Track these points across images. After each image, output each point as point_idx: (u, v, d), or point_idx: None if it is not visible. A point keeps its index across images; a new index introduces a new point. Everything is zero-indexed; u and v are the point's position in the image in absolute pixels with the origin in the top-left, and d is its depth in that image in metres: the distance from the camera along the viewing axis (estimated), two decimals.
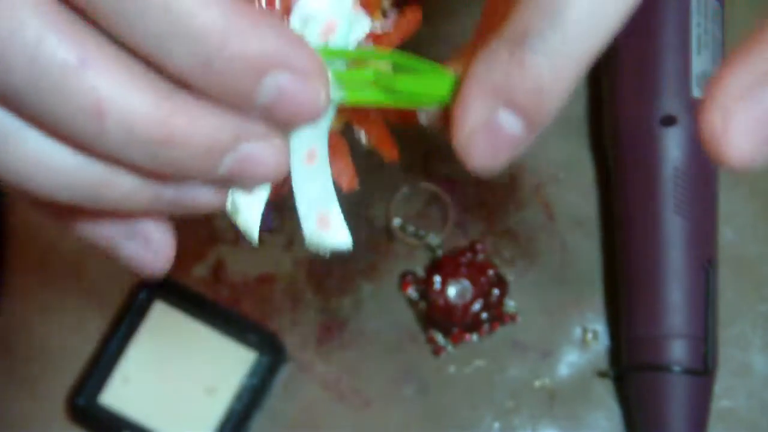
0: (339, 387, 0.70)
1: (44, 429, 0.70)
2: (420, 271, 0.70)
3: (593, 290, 0.70)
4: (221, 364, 0.68)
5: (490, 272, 0.68)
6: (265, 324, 0.70)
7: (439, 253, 0.70)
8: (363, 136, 0.33)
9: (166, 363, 0.69)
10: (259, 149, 0.29)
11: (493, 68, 0.29)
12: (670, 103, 0.66)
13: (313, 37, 0.30)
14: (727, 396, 0.68)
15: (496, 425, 0.69)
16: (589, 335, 0.70)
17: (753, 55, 0.27)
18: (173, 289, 0.69)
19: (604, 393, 0.69)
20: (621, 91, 0.67)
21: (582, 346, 0.69)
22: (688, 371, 0.64)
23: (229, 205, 0.31)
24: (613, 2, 0.28)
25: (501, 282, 0.69)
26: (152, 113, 0.27)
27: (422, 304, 0.69)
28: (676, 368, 0.64)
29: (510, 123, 0.29)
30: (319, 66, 0.28)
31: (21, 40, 0.26)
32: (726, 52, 0.68)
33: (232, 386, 0.68)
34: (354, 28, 0.30)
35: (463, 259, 0.68)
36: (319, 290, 0.71)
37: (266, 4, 0.29)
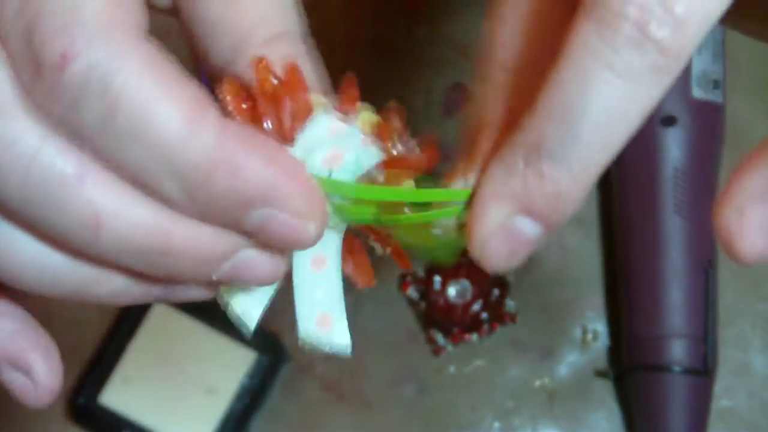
0: (339, 387, 0.70)
1: (44, 429, 0.70)
2: (420, 271, 0.70)
3: (593, 290, 0.70)
4: (221, 364, 0.68)
5: (490, 272, 0.68)
6: (265, 324, 0.69)
7: None
8: (377, 246, 0.32)
9: (166, 363, 0.69)
10: (255, 256, 0.29)
11: (508, 176, 0.28)
12: (670, 103, 0.66)
13: (317, 164, 0.29)
14: (727, 396, 0.68)
15: (496, 425, 0.69)
16: (589, 335, 0.70)
17: None
18: None
19: (604, 393, 0.69)
20: None
21: (582, 346, 0.69)
22: (688, 371, 0.64)
23: (222, 293, 0.31)
24: (637, 100, 0.27)
25: (501, 282, 0.69)
26: (150, 226, 0.27)
27: (422, 304, 0.69)
28: (676, 368, 0.64)
29: (527, 227, 0.29)
30: (311, 201, 0.28)
31: (18, 150, 0.26)
32: (726, 51, 0.68)
33: (232, 386, 0.68)
34: (362, 159, 0.29)
35: (463, 259, 0.68)
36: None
37: (272, 125, 0.29)
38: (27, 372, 0.31)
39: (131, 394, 0.68)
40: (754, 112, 0.71)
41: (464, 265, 0.68)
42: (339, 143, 0.29)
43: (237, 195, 0.27)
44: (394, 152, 0.30)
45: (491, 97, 0.31)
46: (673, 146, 0.65)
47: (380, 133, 0.30)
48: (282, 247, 0.29)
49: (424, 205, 0.30)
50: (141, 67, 0.25)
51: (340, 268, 0.31)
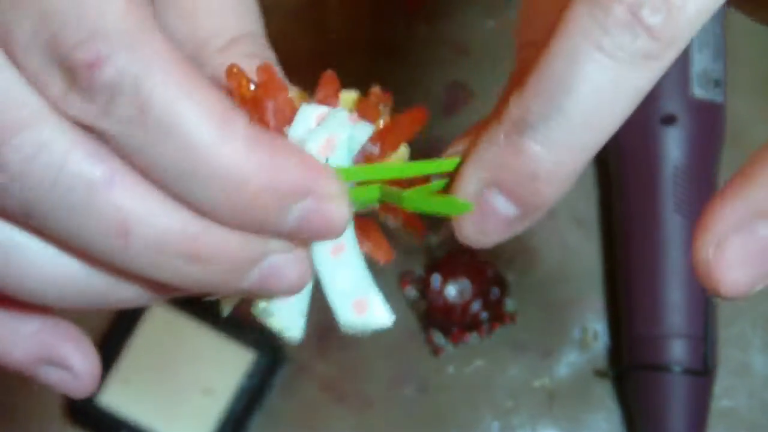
0: (339, 387, 0.70)
1: (44, 429, 0.70)
2: (419, 271, 0.70)
3: (593, 290, 0.70)
4: (220, 364, 0.68)
5: (490, 272, 0.68)
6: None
7: (439, 253, 0.70)
8: (389, 219, 0.33)
9: (165, 363, 0.69)
10: (283, 261, 0.29)
11: (488, 147, 0.28)
12: (670, 103, 0.65)
13: (312, 155, 0.29)
14: (727, 396, 0.68)
15: (496, 425, 0.69)
16: (589, 335, 0.69)
17: (747, 188, 0.27)
18: None
19: (604, 393, 0.69)
20: None
21: (582, 346, 0.69)
22: (688, 371, 0.64)
23: (257, 311, 0.31)
24: (626, 85, 0.26)
25: (501, 281, 0.69)
26: (179, 233, 0.27)
27: (422, 304, 0.69)
28: (676, 368, 0.64)
29: (501, 205, 0.28)
30: (340, 187, 0.28)
31: (47, 157, 0.26)
32: (726, 50, 0.68)
33: (231, 386, 0.68)
34: (354, 136, 0.30)
35: (463, 259, 0.68)
36: (318, 290, 0.71)
37: (258, 123, 0.29)
38: (63, 366, 0.32)
39: (130, 394, 0.68)
40: (754, 111, 0.71)
41: (464, 264, 0.68)
42: (329, 128, 0.29)
43: (277, 193, 0.26)
44: (382, 122, 0.30)
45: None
46: (673, 146, 0.65)
47: (364, 108, 0.30)
48: (319, 238, 0.29)
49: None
50: (169, 69, 0.25)
51: (359, 249, 0.31)
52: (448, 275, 0.68)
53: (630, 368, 0.66)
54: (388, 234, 0.32)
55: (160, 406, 0.68)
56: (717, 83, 0.67)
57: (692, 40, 0.72)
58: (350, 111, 0.30)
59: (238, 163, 0.26)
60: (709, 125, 0.66)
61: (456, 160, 0.30)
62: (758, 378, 0.68)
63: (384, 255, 0.32)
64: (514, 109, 0.27)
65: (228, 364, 0.68)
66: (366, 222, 0.32)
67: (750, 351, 0.69)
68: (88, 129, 0.26)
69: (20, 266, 0.28)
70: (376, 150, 0.30)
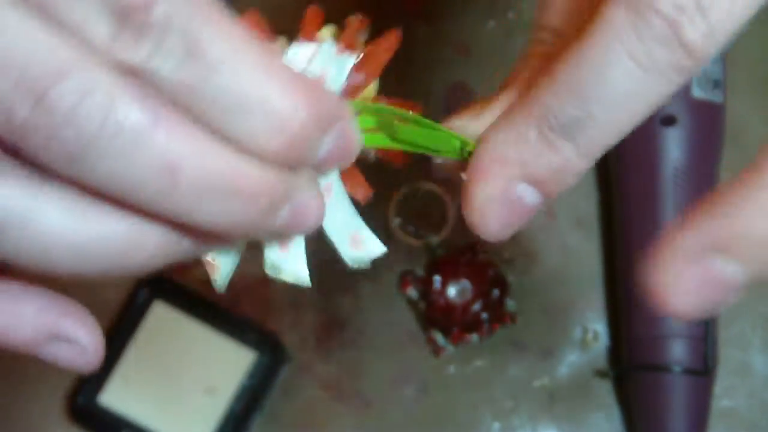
0: (339, 387, 0.70)
1: (44, 429, 0.70)
2: (420, 271, 0.70)
3: (593, 290, 0.70)
4: (221, 364, 0.68)
5: (490, 272, 0.68)
6: (265, 324, 0.70)
7: (439, 253, 0.70)
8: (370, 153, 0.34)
9: (166, 363, 0.69)
10: (308, 198, 0.29)
11: (518, 143, 0.29)
12: (670, 103, 0.66)
13: None
14: (727, 396, 0.68)
15: (496, 425, 0.69)
16: (589, 335, 0.70)
17: (706, 219, 0.28)
18: (173, 289, 0.69)
19: (604, 393, 0.69)
20: None
21: (582, 346, 0.69)
22: (688, 371, 0.64)
23: (268, 269, 0.32)
24: (652, 93, 0.28)
25: (501, 282, 0.69)
26: (226, 169, 0.27)
27: (422, 304, 0.69)
28: (676, 368, 0.64)
29: (528, 195, 0.30)
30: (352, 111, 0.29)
31: (92, 102, 0.26)
32: (726, 51, 0.68)
33: (232, 386, 0.68)
34: (341, 67, 0.31)
35: (463, 259, 0.68)
36: (319, 290, 0.71)
37: None
38: (68, 340, 0.32)
39: (131, 394, 0.68)
40: (754, 112, 0.71)
41: (464, 264, 0.68)
42: (318, 63, 0.31)
43: (318, 124, 0.27)
44: (359, 51, 0.32)
45: (529, 68, 0.32)
46: (673, 146, 0.65)
47: (345, 39, 0.32)
48: (344, 162, 0.29)
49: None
50: (211, 11, 0.26)
51: (344, 191, 0.33)
52: (449, 276, 0.68)
53: (630, 368, 0.66)
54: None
55: (161, 405, 0.68)
56: (716, 84, 0.67)
57: None
58: (332, 40, 0.32)
59: (284, 99, 0.27)
60: (709, 125, 0.66)
61: (462, 138, 0.31)
62: (758, 378, 0.68)
63: (363, 194, 0.33)
64: (545, 107, 0.28)
65: (229, 364, 0.68)
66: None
67: (750, 351, 0.69)
68: (132, 74, 0.27)
69: (37, 230, 0.28)
70: (360, 78, 0.32)
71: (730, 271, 0.28)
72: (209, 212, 0.28)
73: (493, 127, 0.30)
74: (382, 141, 0.32)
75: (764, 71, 0.72)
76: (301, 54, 0.31)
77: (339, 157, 0.29)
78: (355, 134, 0.29)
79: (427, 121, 0.31)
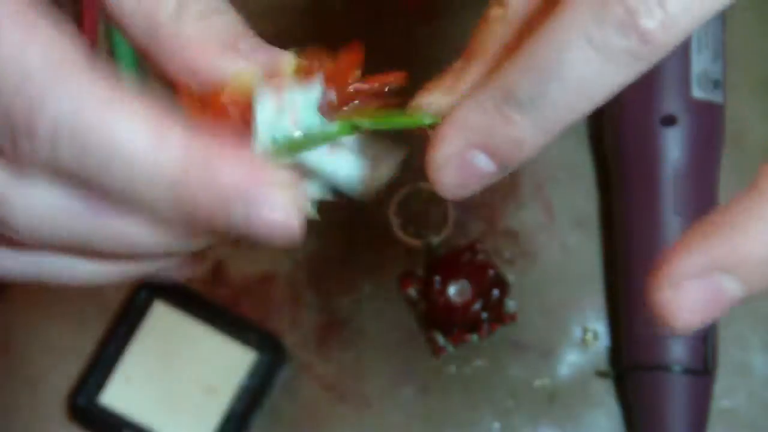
0: (339, 387, 0.70)
1: (44, 429, 0.70)
2: (420, 271, 0.70)
3: (593, 290, 0.70)
4: (221, 364, 0.68)
5: (490, 272, 0.68)
6: (265, 324, 0.70)
7: (439, 253, 0.70)
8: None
9: (166, 363, 0.69)
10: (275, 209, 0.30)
11: (477, 113, 0.30)
12: (670, 104, 0.66)
13: (287, 129, 0.32)
14: (727, 396, 0.68)
15: (496, 425, 0.69)
16: (589, 335, 0.70)
17: (710, 239, 0.29)
18: (173, 289, 0.69)
19: (604, 393, 0.69)
20: (621, 91, 0.67)
21: (582, 346, 0.69)
22: (688, 371, 0.64)
23: (309, 208, 0.32)
24: (608, 79, 0.29)
25: (501, 282, 0.69)
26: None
27: (422, 304, 0.69)
28: (676, 368, 0.64)
29: (482, 162, 0.31)
30: (285, 194, 0.30)
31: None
32: (726, 51, 0.68)
33: (232, 386, 0.68)
34: (311, 98, 0.32)
35: (463, 259, 0.68)
36: (319, 290, 0.71)
37: (219, 115, 0.31)
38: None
39: (131, 393, 0.68)
40: (754, 112, 0.71)
41: (464, 264, 0.68)
42: (289, 107, 0.32)
43: (216, 196, 0.29)
44: (323, 72, 0.33)
45: (491, 35, 0.33)
46: (673, 146, 0.65)
47: (305, 71, 0.33)
48: (270, 241, 0.30)
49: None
50: (98, 98, 0.28)
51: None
52: (449, 276, 0.68)
53: (630, 368, 0.66)
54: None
55: (162, 405, 0.68)
56: (716, 84, 0.67)
57: (692, 41, 0.72)
58: (294, 75, 0.32)
59: (174, 168, 0.28)
60: (709, 126, 0.66)
61: (429, 115, 0.32)
62: (758, 378, 0.68)
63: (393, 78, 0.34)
64: (505, 81, 0.30)
65: (229, 364, 0.68)
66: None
67: (750, 351, 0.69)
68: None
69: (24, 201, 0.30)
70: (332, 95, 0.33)
71: (731, 288, 0.29)
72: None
73: (439, 90, 0.32)
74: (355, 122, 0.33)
75: (764, 71, 0.72)
76: (269, 103, 0.32)
77: (260, 235, 0.30)
78: (278, 216, 0.29)
79: (398, 111, 0.33)
